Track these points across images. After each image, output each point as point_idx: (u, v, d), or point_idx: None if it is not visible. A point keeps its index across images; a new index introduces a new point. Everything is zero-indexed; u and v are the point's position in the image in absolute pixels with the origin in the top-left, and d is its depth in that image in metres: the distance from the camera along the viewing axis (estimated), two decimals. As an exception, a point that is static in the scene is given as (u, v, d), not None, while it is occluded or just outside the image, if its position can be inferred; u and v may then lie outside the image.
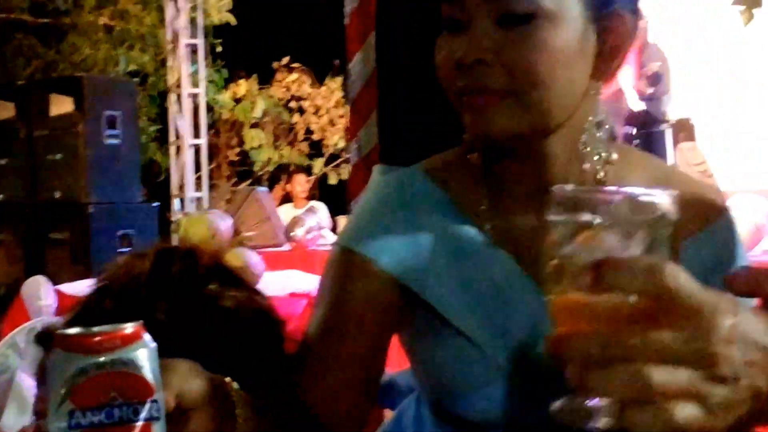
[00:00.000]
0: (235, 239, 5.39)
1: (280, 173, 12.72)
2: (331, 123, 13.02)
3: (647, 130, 9.23)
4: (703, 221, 1.38)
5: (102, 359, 0.84)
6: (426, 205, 1.39)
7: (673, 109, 9.70)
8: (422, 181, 1.42)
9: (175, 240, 7.28)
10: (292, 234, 7.92)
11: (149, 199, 9.65)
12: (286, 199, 11.31)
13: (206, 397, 1.01)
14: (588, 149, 1.34)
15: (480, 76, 1.27)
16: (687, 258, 1.31)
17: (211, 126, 11.41)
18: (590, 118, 1.33)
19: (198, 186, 10.07)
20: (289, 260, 7.18)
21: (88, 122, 8.31)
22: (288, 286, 5.22)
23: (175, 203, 9.90)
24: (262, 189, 8.86)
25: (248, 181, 12.25)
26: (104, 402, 0.83)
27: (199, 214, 6.01)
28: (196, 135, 10.11)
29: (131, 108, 8.84)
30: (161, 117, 10.99)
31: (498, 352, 1.34)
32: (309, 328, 1.39)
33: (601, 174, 1.35)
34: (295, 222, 8.01)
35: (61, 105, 8.59)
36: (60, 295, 4.84)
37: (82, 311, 1.37)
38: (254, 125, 12.53)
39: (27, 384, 3.46)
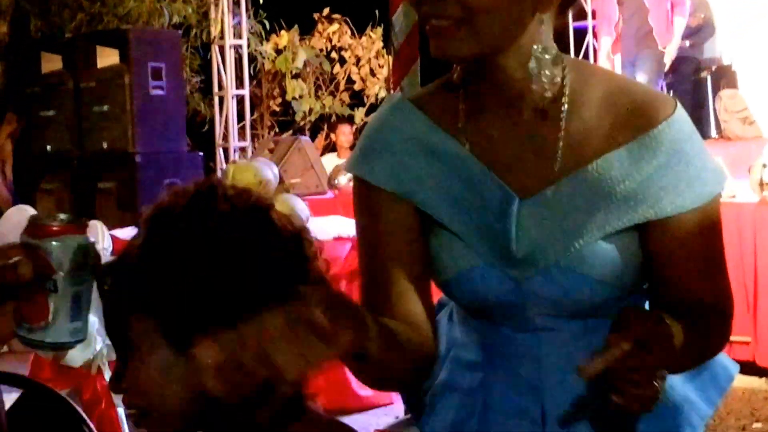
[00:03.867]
0: (280, 186, 5.50)
1: (321, 123, 12.80)
2: (372, 73, 13.05)
3: (688, 78, 9.23)
4: (649, 124, 1.55)
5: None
6: (411, 128, 1.63)
7: (714, 57, 9.67)
8: (409, 109, 1.64)
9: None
10: (335, 182, 8.02)
11: (194, 149, 9.76)
12: (331, 148, 11.38)
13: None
14: (535, 72, 1.54)
15: (437, 5, 1.49)
16: (634, 157, 1.53)
17: (253, 77, 11.49)
18: (535, 45, 1.54)
19: (242, 136, 10.18)
20: (332, 207, 7.28)
21: (133, 74, 8.40)
22: (333, 230, 5.34)
23: (220, 153, 10.02)
24: (306, 138, 8.95)
25: (289, 132, 12.32)
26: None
27: (245, 162, 6.11)
28: (239, 86, 10.20)
29: (176, 59, 8.93)
30: (204, 68, 11.06)
31: (475, 240, 1.58)
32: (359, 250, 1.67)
33: (548, 93, 1.56)
34: (338, 170, 8.11)
35: (107, 57, 8.69)
36: (114, 239, 4.98)
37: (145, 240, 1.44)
38: (296, 76, 12.58)
39: (90, 319, 3.59)
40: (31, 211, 4.89)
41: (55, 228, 1.20)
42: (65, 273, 1.19)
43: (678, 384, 1.61)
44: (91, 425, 2.38)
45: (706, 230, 1.57)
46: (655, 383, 1.35)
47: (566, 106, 1.57)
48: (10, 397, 2.30)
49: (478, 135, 1.60)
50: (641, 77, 8.20)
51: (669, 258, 1.56)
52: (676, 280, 1.56)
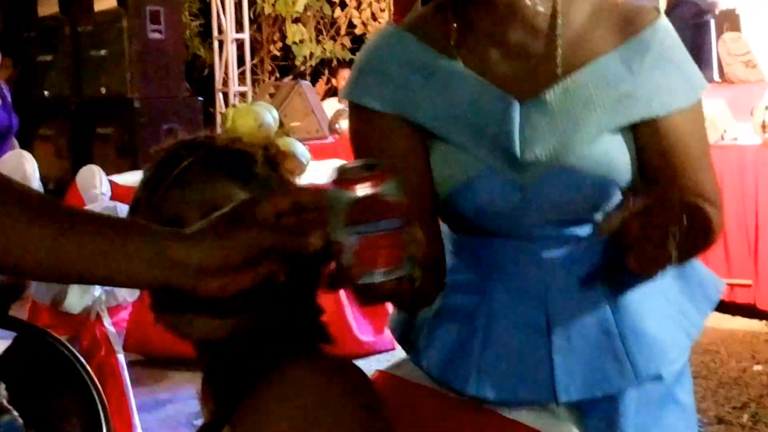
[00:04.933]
0: (281, 130, 5.46)
1: (322, 68, 12.72)
2: (373, 17, 12.96)
3: (692, 21, 9.14)
4: (636, 29, 1.64)
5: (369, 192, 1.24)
6: (404, 50, 1.66)
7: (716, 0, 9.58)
8: (399, 33, 1.68)
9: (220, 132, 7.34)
10: (336, 126, 7.98)
11: (193, 94, 9.71)
12: (332, 93, 11.31)
13: None
14: None
15: None
16: (625, 59, 1.63)
17: (253, 21, 11.41)
18: None
19: (242, 81, 10.12)
20: (333, 151, 7.26)
21: (131, 17, 8.35)
22: (334, 174, 5.31)
23: (219, 98, 9.97)
24: (306, 83, 8.90)
25: (290, 76, 12.26)
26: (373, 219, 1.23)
27: (245, 106, 6.05)
28: (239, 30, 10.13)
29: (174, 3, 8.87)
30: (203, 12, 10.99)
31: (478, 148, 1.62)
32: None
33: (541, 8, 1.61)
34: (339, 115, 8.07)
35: (105, 0, 8.63)
36: (113, 184, 4.97)
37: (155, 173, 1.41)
38: (296, 20, 12.48)
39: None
40: (28, 157, 4.86)
41: (381, 172, 1.27)
42: (402, 210, 1.26)
43: (674, 294, 1.69)
44: (89, 369, 2.36)
45: (695, 129, 1.68)
46: (668, 244, 1.40)
47: (560, 20, 1.62)
48: (5, 342, 2.29)
49: (471, 52, 1.65)
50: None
51: (665, 156, 1.64)
52: (672, 176, 1.64)
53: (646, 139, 1.63)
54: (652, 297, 1.65)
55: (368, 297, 1.27)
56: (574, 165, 1.59)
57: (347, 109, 1.76)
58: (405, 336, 1.75)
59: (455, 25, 1.65)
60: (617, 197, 1.62)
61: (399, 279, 1.24)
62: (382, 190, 1.24)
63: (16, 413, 1.64)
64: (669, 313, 1.68)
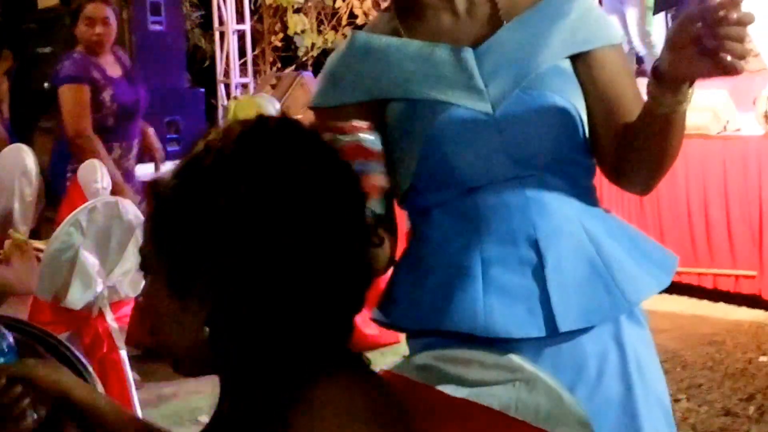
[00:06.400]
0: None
1: (324, 58, 12.68)
2: (377, 4, 12.93)
3: (686, 4, 9.11)
4: None
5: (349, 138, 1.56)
6: (359, 47, 1.87)
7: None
8: (353, 36, 1.90)
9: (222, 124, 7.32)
10: (337, 117, 7.95)
11: (195, 85, 9.68)
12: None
13: None
14: None
15: None
16: (546, 10, 1.83)
17: (254, 12, 11.36)
18: None
19: (243, 72, 10.09)
20: (335, 143, 7.22)
21: (132, 9, 8.33)
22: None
23: (221, 89, 9.94)
24: (308, 73, 8.87)
25: (292, 67, 12.21)
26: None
27: (247, 98, 6.03)
28: (240, 21, 10.10)
29: (175, -6, 8.85)
30: (204, 3, 10.94)
31: (446, 90, 1.79)
32: None
33: None
34: (341, 105, 8.03)
35: (105, -8, 8.58)
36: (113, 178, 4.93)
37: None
38: (297, 10, 12.42)
39: (90, 260, 3.57)
40: (27, 150, 4.84)
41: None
42: (381, 157, 1.63)
43: (630, 263, 1.82)
44: (90, 369, 2.34)
45: (626, 64, 1.92)
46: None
47: None
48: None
49: (418, 29, 1.86)
50: (631, 11, 8.12)
51: (611, 85, 1.83)
52: (617, 105, 1.81)
53: (592, 72, 1.82)
54: (619, 239, 1.83)
55: None
56: (535, 86, 1.77)
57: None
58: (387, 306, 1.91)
59: (398, 16, 1.88)
60: (579, 143, 1.80)
61: (372, 214, 1.41)
62: (367, 137, 1.55)
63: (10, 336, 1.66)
64: (634, 256, 1.83)
